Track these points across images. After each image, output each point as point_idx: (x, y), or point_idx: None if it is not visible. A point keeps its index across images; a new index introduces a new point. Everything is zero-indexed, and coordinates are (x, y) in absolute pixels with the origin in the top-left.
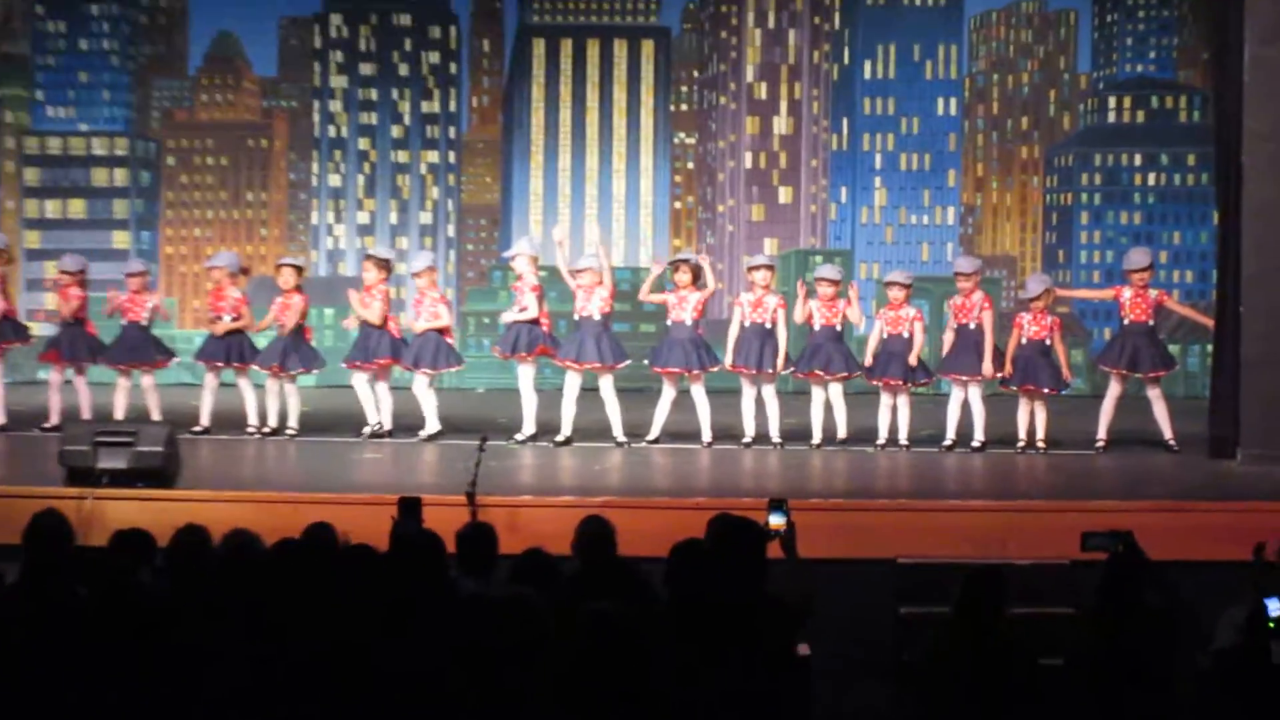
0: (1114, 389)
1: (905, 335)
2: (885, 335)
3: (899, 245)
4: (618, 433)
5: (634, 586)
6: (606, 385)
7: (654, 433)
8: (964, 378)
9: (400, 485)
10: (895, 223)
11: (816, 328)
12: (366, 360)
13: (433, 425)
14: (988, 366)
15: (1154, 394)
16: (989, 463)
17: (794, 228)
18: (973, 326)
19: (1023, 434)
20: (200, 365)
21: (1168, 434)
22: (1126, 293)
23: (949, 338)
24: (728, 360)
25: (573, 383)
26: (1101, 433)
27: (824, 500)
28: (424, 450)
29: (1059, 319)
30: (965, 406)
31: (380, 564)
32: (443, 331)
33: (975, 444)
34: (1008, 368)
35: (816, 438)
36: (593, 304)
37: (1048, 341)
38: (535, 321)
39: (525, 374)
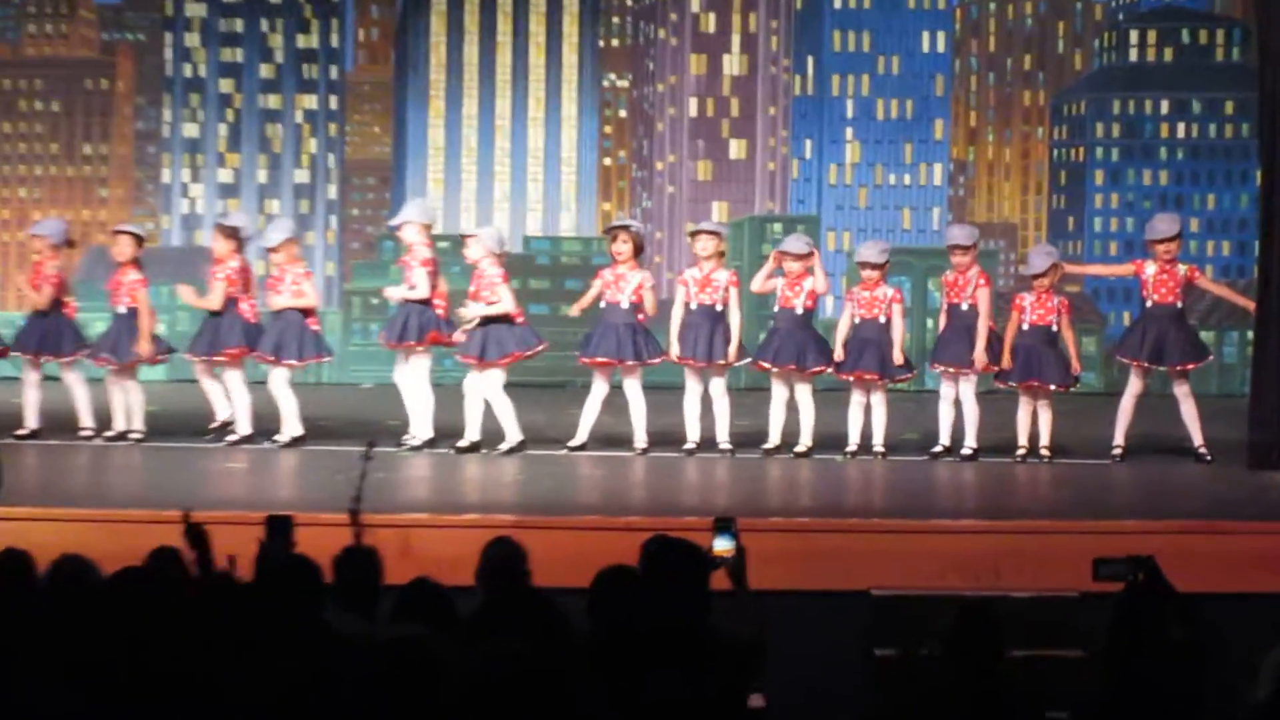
0: (1134, 385)
1: (881, 320)
2: (857, 320)
3: (875, 210)
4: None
5: (550, 624)
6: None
7: (580, 437)
8: (955, 370)
9: (268, 501)
10: (870, 183)
11: (776, 309)
12: (212, 351)
13: (292, 428)
14: (980, 357)
15: (1182, 391)
16: (983, 474)
17: (748, 189)
18: (966, 308)
19: (1023, 439)
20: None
21: (1198, 440)
22: (1149, 268)
23: (941, 322)
24: (672, 350)
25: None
26: (1118, 438)
27: (783, 520)
28: (295, 459)
29: (1067, 300)
30: (956, 406)
31: (242, 596)
32: (307, 314)
33: (967, 451)
34: (1006, 359)
35: (774, 442)
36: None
37: (1054, 328)
38: (427, 303)
39: (417, 367)
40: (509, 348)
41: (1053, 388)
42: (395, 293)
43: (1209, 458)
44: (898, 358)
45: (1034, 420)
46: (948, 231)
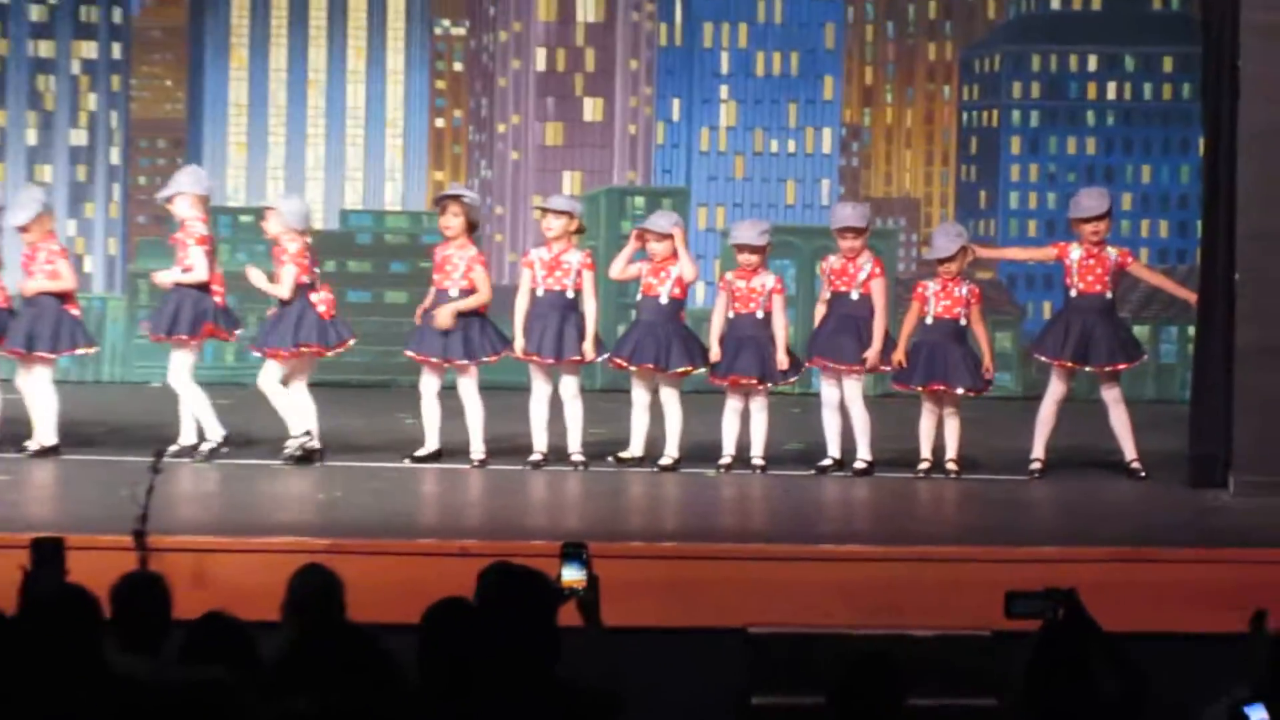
0: (1055, 389)
1: (760, 315)
2: (732, 315)
3: (754, 183)
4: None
5: (371, 666)
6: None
7: (428, 446)
8: (840, 367)
9: (34, 521)
10: (748, 150)
11: (639, 298)
12: None
13: (44, 435)
14: (874, 354)
15: (1112, 396)
16: (878, 492)
17: (605, 156)
18: (855, 297)
19: (926, 451)
20: None
21: (1130, 453)
22: (1074, 252)
23: (820, 311)
24: (515, 345)
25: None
26: (1037, 450)
27: (644, 545)
28: (67, 472)
29: (978, 289)
30: (843, 411)
31: (5, 633)
32: (64, 298)
33: (860, 465)
34: (900, 355)
35: (634, 453)
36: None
37: (962, 321)
38: (204, 288)
39: (179, 363)
40: (290, 341)
41: (960, 391)
42: (166, 277)
43: (1143, 473)
44: (781, 359)
45: (939, 429)
46: (834, 211)
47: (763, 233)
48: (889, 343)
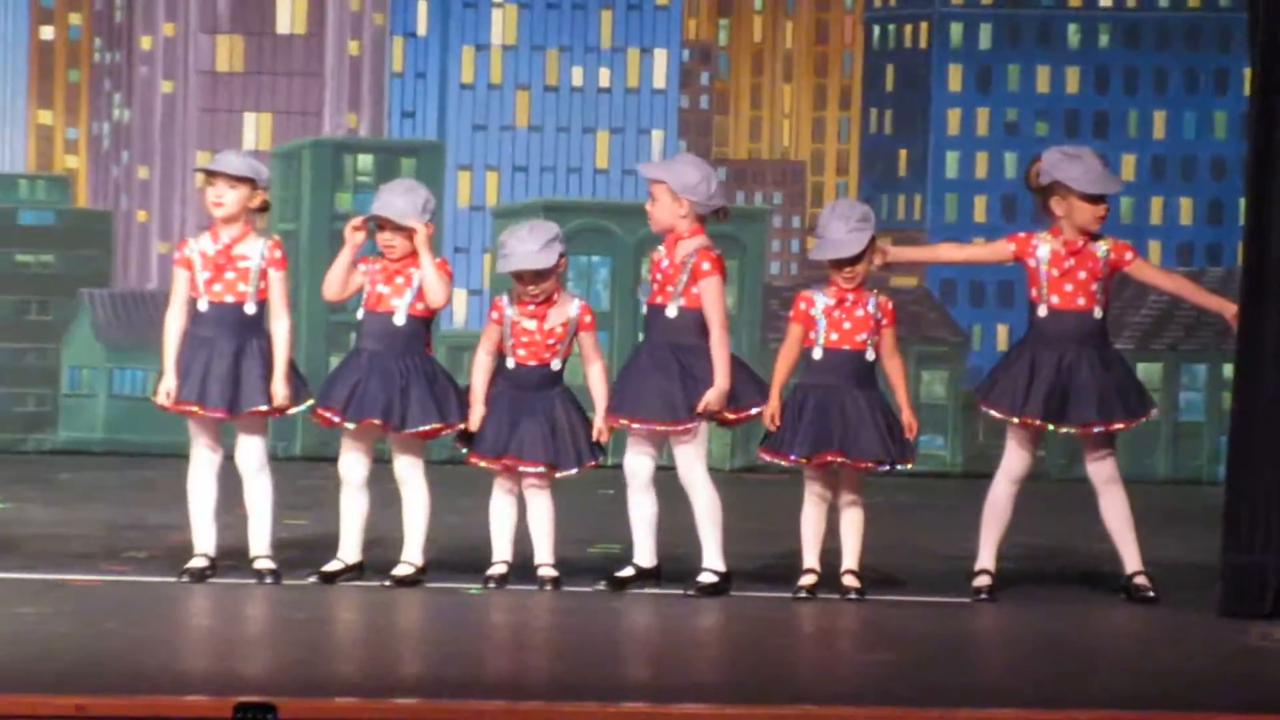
0: (1014, 461)
1: (556, 365)
2: (511, 364)
3: (545, 136)
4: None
5: None
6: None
7: None
8: (656, 427)
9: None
10: (537, 83)
11: (360, 315)
12: None
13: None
14: (713, 398)
15: (1103, 473)
16: (732, 622)
17: (310, 89)
18: (674, 314)
19: (811, 558)
20: None
21: (1131, 562)
22: (1044, 248)
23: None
24: (163, 388)
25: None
26: (985, 558)
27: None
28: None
29: (892, 305)
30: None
31: None
32: None
33: (706, 578)
34: (773, 409)
35: (346, 558)
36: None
37: (869, 354)
38: None
39: None
40: None
41: (866, 465)
42: None
43: (1150, 592)
44: (598, 426)
45: (830, 523)
46: (643, 168)
47: (548, 244)
48: (749, 383)
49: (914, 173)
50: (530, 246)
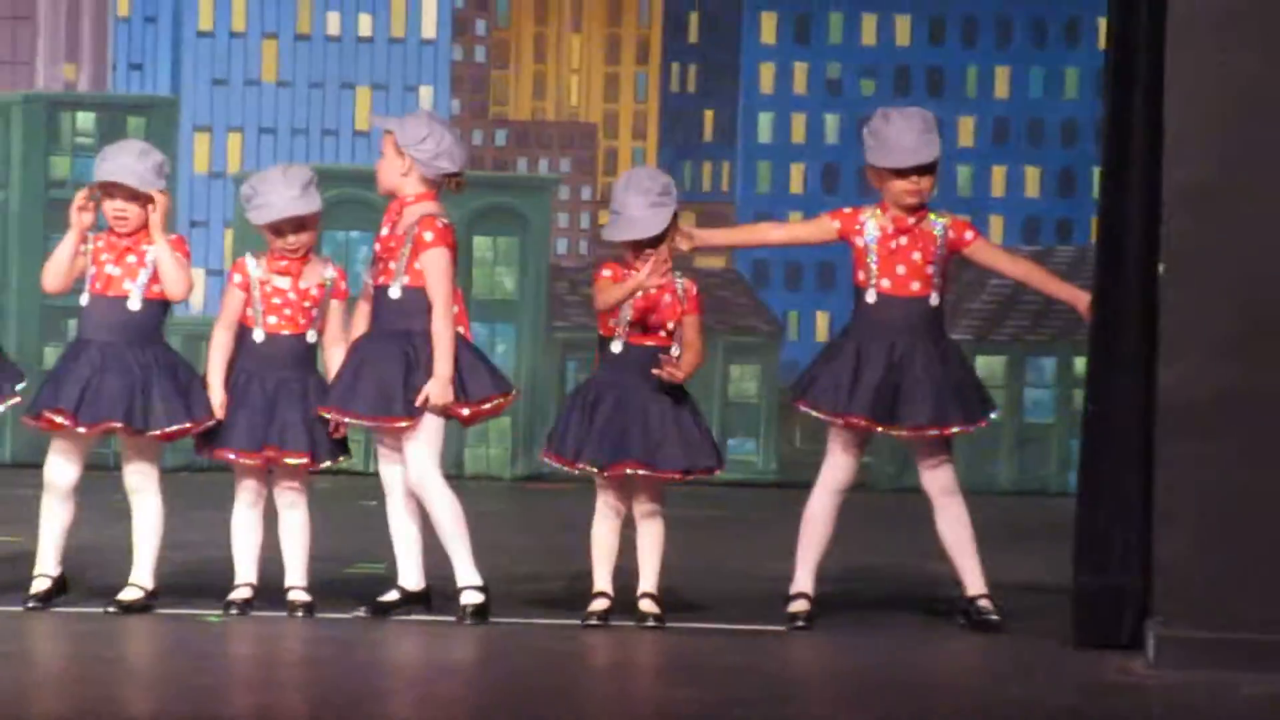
0: (835, 468)
1: (311, 336)
2: (260, 336)
3: (296, 91)
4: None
5: None
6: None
7: None
8: (369, 423)
9: None
10: (285, 31)
11: (85, 299)
12: None
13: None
14: (434, 389)
15: (935, 483)
16: (509, 649)
17: (20, 34)
18: (398, 294)
19: (603, 580)
20: None
21: (972, 583)
22: (872, 225)
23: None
24: None
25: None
26: (801, 580)
27: None
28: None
29: (696, 288)
30: (418, 510)
31: None
32: None
33: (469, 599)
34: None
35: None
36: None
37: (674, 348)
38: None
39: None
40: None
41: (669, 476)
42: None
43: (994, 617)
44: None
45: (626, 541)
46: (374, 122)
47: (307, 188)
48: (483, 372)
49: (721, 137)
50: (290, 192)
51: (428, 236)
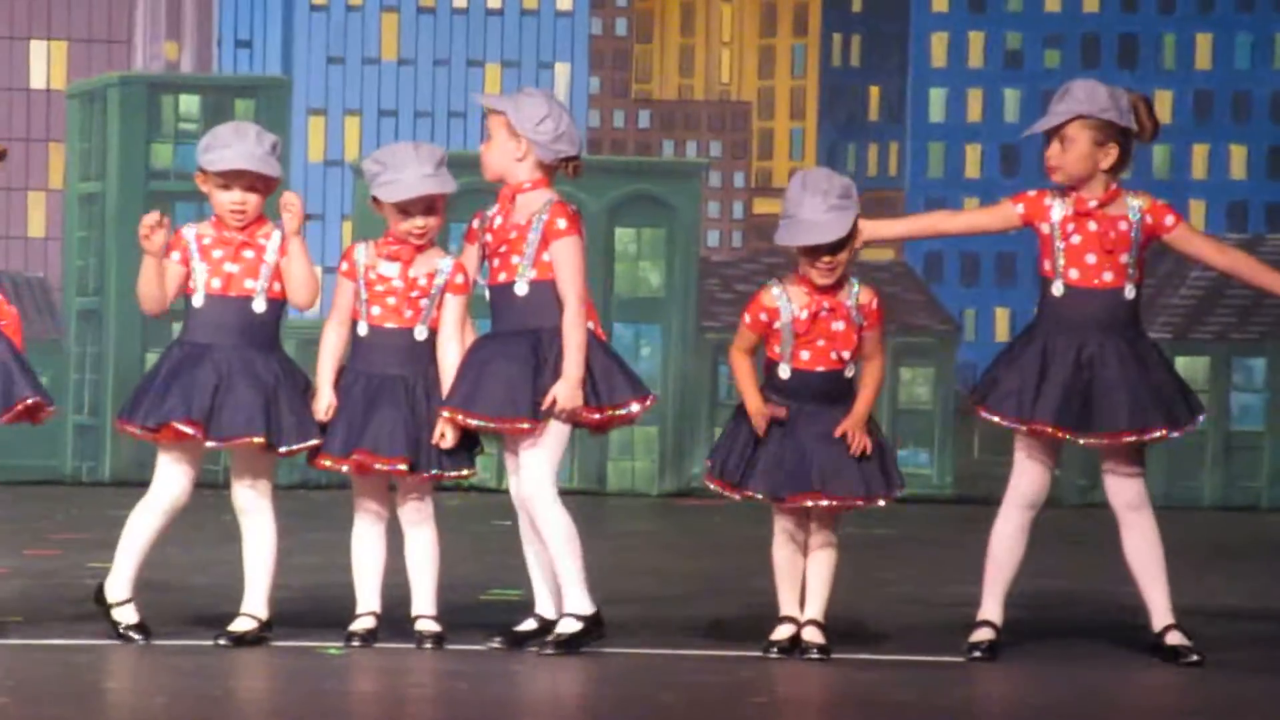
0: (1024, 482)
1: (423, 333)
2: (366, 329)
3: (418, 70)
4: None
5: None
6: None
7: None
8: (493, 424)
9: None
10: (408, 4)
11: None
12: None
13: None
14: (565, 392)
15: (1127, 494)
16: (671, 683)
17: (114, 10)
18: (523, 290)
19: (789, 605)
20: None
21: (1161, 613)
22: (1058, 209)
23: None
24: None
25: None
26: (989, 606)
27: None
28: None
29: (873, 303)
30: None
31: None
32: None
33: (565, 630)
34: (761, 414)
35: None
36: None
37: (848, 372)
38: None
39: None
40: None
41: (850, 503)
42: None
43: (1192, 654)
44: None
45: (801, 569)
46: (482, 102)
47: (440, 167)
48: (618, 375)
49: (888, 116)
50: (424, 169)
51: (560, 224)
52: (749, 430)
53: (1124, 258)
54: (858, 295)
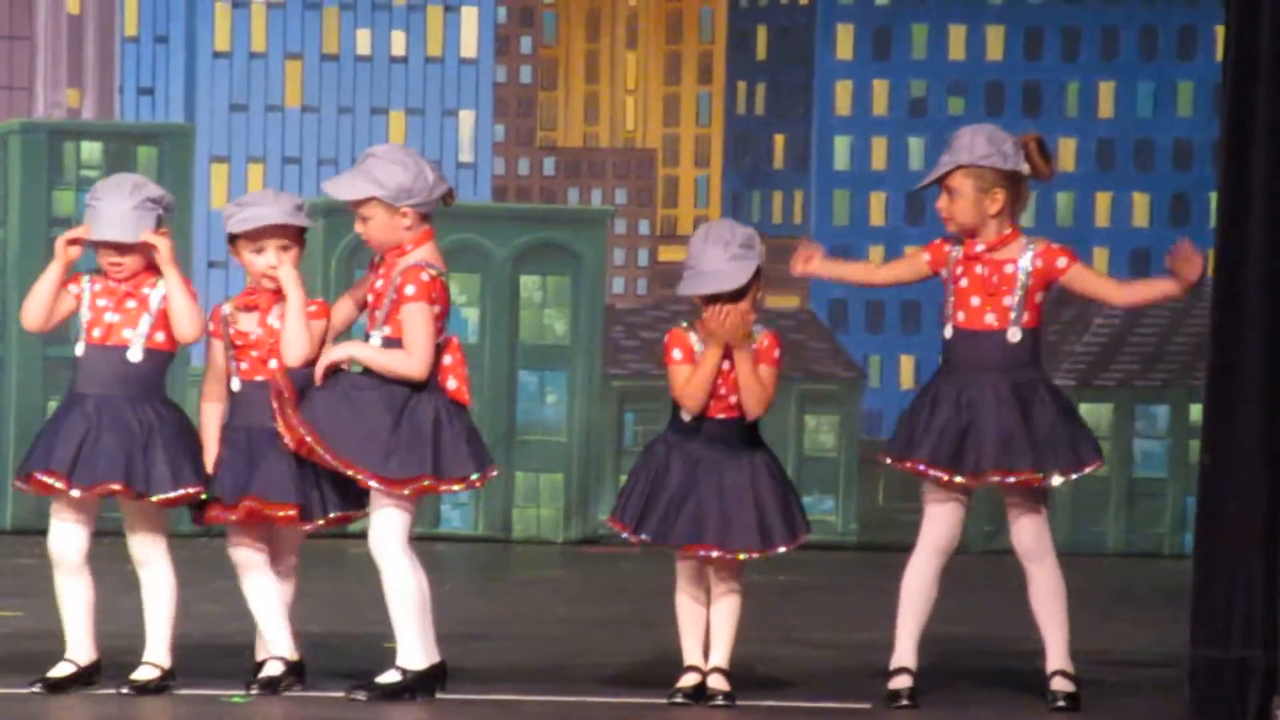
0: (935, 525)
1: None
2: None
3: (323, 120)
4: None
5: None
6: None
7: None
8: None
9: None
10: (310, 50)
11: (79, 350)
12: None
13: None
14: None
15: (1024, 542)
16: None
17: (17, 54)
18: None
19: (693, 653)
20: None
21: (1057, 656)
22: (954, 254)
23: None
24: None
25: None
26: (902, 653)
27: None
28: None
29: (770, 344)
30: None
31: None
32: None
33: (385, 680)
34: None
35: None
36: None
37: (740, 416)
38: None
39: None
40: None
41: (751, 554)
42: None
43: (1060, 702)
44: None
45: (704, 616)
46: (338, 195)
47: (300, 208)
48: (474, 443)
49: (793, 164)
50: (281, 207)
51: (409, 290)
52: (649, 474)
53: (1007, 300)
54: (759, 335)
